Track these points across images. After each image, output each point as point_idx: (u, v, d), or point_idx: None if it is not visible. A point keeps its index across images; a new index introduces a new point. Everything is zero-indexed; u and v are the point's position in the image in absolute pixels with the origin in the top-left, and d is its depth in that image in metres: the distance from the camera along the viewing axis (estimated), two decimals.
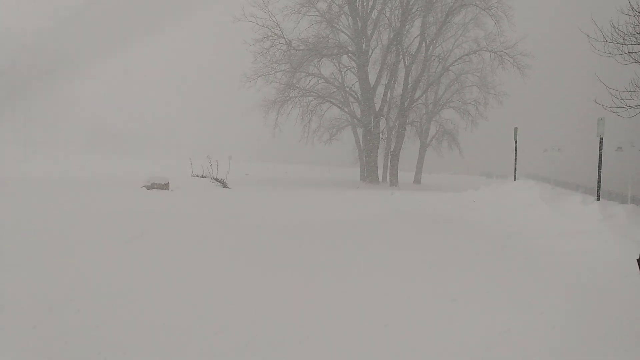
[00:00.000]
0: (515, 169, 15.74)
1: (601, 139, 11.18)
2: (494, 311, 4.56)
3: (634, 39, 10.13)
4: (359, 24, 29.12)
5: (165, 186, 14.55)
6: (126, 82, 74.50)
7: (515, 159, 15.66)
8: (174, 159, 40.13)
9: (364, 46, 29.47)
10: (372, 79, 29.87)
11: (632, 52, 10.16)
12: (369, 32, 29.72)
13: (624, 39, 10.19)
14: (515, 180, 15.00)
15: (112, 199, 11.57)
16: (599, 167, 11.09)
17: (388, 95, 30.31)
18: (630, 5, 10.03)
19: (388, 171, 31.20)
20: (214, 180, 16.88)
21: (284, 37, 28.50)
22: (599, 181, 11.20)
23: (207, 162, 17.36)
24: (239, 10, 27.57)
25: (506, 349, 3.75)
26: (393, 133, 30.93)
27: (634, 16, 10.08)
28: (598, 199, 10.94)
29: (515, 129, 15.63)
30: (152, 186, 14.35)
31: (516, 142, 15.59)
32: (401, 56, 29.97)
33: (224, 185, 16.84)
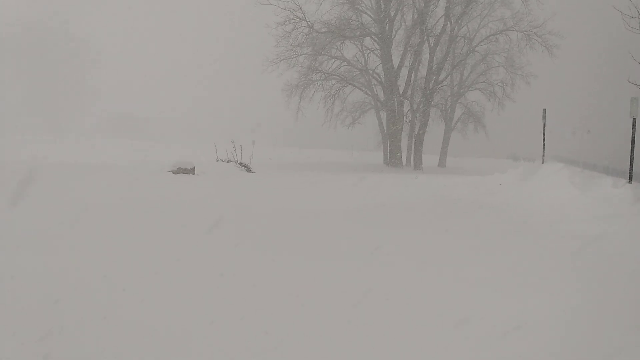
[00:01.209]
0: (543, 152, 15.41)
1: (634, 119, 10.82)
2: (507, 299, 4.48)
3: None
4: (382, 5, 28.65)
5: (191, 171, 14.73)
6: (151, 69, 75.33)
7: (544, 141, 15.31)
8: (199, 143, 40.45)
9: (387, 27, 29.04)
10: (395, 61, 29.47)
11: None
12: (392, 13, 29.23)
13: None
14: (543, 162, 14.70)
15: (139, 184, 11.76)
16: (632, 149, 10.76)
17: (412, 77, 29.88)
18: None
19: (412, 155, 30.93)
20: (239, 165, 17.02)
21: (306, 20, 28.28)
22: (631, 163, 10.88)
23: (231, 147, 17.49)
24: None
25: (511, 342, 3.67)
26: (417, 116, 30.56)
27: None
28: (630, 182, 10.64)
29: (544, 110, 15.27)
30: (178, 171, 14.54)
31: (544, 123, 15.24)
32: (425, 37, 29.43)
33: (248, 170, 16.97)
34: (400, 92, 29.30)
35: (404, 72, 29.86)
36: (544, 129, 15.19)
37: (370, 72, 30.49)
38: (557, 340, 3.69)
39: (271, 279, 4.85)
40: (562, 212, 8.94)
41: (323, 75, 29.44)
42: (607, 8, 11.30)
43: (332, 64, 29.96)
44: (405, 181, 16.10)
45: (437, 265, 5.50)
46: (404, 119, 29.87)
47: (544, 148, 15.37)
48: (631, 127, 10.78)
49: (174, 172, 14.49)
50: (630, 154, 10.81)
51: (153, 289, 4.50)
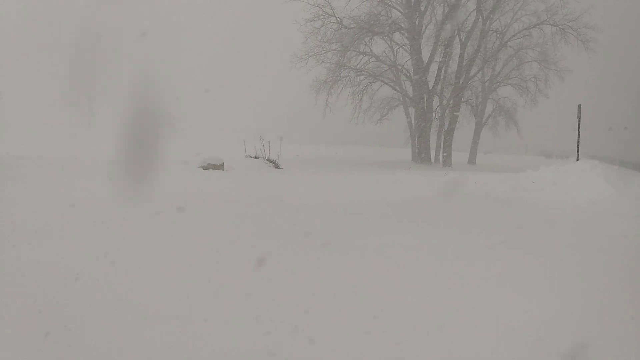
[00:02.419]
0: (578, 149, 14.99)
1: None
2: (532, 296, 4.37)
3: None
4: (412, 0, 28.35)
5: (220, 166, 14.96)
6: (178, 64, 76.36)
7: (578, 138, 14.90)
8: (227, 139, 40.87)
9: (417, 22, 28.69)
10: (425, 56, 29.13)
11: None
12: (422, 8, 28.88)
13: None
14: (577, 160, 14.29)
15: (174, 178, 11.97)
16: None
17: (442, 73, 29.46)
18: None
19: (441, 151, 30.52)
20: (266, 161, 17.13)
21: (335, 16, 28.21)
22: None
23: (259, 143, 17.61)
24: None
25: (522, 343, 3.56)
26: (447, 112, 30.12)
27: None
28: None
29: (579, 106, 14.83)
30: (207, 167, 14.80)
31: (579, 120, 14.81)
32: (456, 32, 28.96)
33: (276, 166, 17.06)
34: (430, 87, 28.94)
35: (434, 67, 29.49)
36: (579, 126, 14.77)
37: (399, 67, 30.19)
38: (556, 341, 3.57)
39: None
40: (596, 211, 8.69)
41: (351, 71, 29.32)
42: None
43: (361, 59, 29.81)
44: (435, 178, 15.92)
45: (460, 261, 5.41)
46: (434, 115, 29.51)
47: (578, 145, 14.95)
48: None
49: (204, 168, 14.73)
50: None
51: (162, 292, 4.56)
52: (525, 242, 6.49)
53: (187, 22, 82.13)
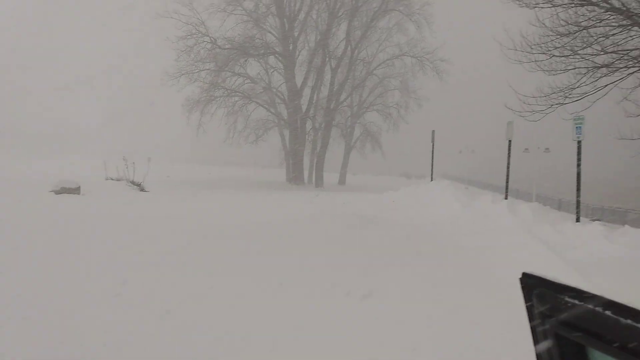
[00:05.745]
0: (432, 170, 16.35)
1: (510, 141, 11.84)
2: (411, 308, 4.61)
3: (540, 48, 10.83)
4: (286, 25, 29.08)
5: (75, 190, 13.65)
6: (41, 82, 69.74)
7: (432, 161, 16.27)
8: (89, 161, 37.89)
9: (290, 47, 29.47)
10: (298, 80, 29.93)
11: (538, 61, 10.85)
12: (295, 34, 29.76)
13: (531, 48, 10.86)
14: (432, 180, 15.58)
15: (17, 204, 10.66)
16: (507, 168, 11.75)
17: (314, 97, 30.50)
18: (537, 17, 10.70)
19: (314, 172, 31.39)
20: (130, 184, 16.06)
21: (208, 36, 27.85)
22: (507, 181, 11.88)
23: (123, 165, 16.44)
24: (161, 6, 26.61)
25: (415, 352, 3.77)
26: (319, 134, 31.16)
27: (539, 27, 10.77)
28: (506, 198, 11.58)
29: (433, 131, 16.23)
30: (61, 191, 13.42)
31: (433, 144, 16.19)
32: (327, 59, 30.29)
33: (141, 189, 16.04)
34: (303, 111, 29.75)
35: (307, 91, 30.44)
36: (433, 149, 16.15)
37: (274, 90, 30.64)
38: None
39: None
40: (447, 226, 9.47)
41: (226, 92, 29.04)
42: (490, 39, 12.20)
43: (235, 80, 29.72)
44: (308, 198, 16.19)
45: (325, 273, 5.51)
46: (306, 137, 30.31)
47: (432, 166, 16.32)
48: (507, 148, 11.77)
49: (57, 192, 13.35)
50: (506, 173, 11.79)
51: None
52: (376, 256, 6.84)
53: (55, 36, 75.45)
